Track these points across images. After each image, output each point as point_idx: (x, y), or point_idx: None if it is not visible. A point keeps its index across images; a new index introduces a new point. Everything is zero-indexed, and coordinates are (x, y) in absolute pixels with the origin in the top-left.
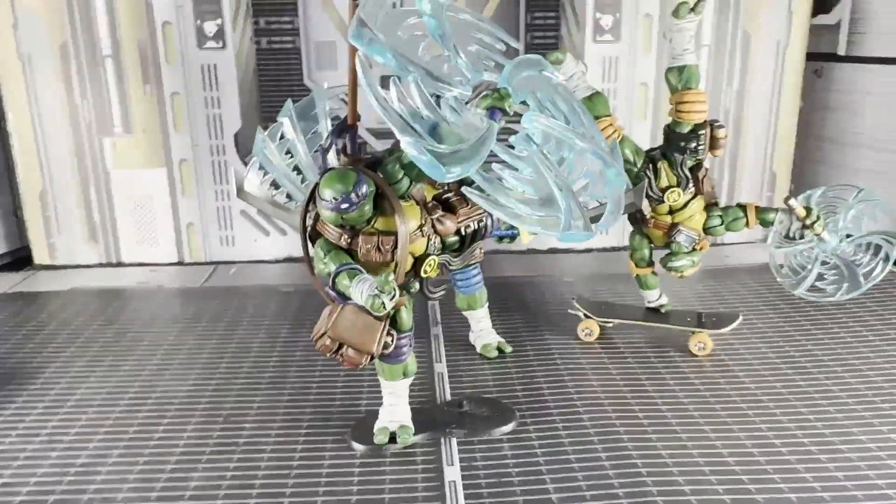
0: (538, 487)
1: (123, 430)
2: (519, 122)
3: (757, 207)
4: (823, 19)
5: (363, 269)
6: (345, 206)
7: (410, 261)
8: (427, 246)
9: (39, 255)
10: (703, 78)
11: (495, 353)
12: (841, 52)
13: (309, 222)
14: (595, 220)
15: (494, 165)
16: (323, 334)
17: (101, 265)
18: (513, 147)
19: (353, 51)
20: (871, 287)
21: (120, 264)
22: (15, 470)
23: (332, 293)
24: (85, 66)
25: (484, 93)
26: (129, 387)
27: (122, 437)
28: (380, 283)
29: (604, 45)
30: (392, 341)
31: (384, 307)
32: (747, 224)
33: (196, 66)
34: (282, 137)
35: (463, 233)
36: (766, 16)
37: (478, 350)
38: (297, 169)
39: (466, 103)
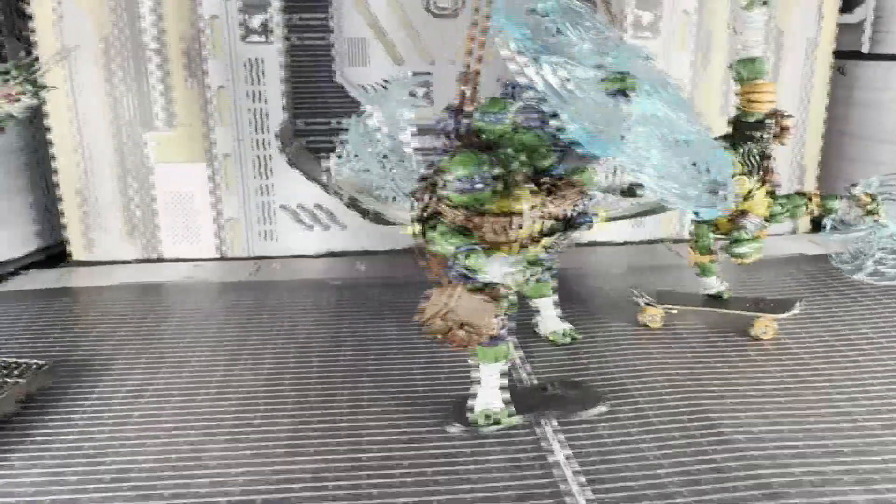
0: (645, 464)
1: (222, 418)
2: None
3: (819, 195)
4: (847, 18)
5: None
6: (480, 185)
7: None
8: (538, 227)
9: (77, 252)
10: None
11: (563, 340)
12: (864, 49)
13: (429, 205)
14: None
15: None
16: (437, 315)
17: (139, 261)
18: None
19: (473, 30)
20: None
21: (160, 260)
22: (125, 457)
23: (453, 273)
24: (129, 59)
25: (610, 76)
26: (210, 377)
27: (224, 424)
28: (518, 260)
29: (642, 42)
30: (502, 323)
31: (525, 284)
32: (808, 211)
33: (241, 60)
34: (367, 127)
35: (565, 216)
36: (799, 14)
37: (547, 336)
38: (379, 157)
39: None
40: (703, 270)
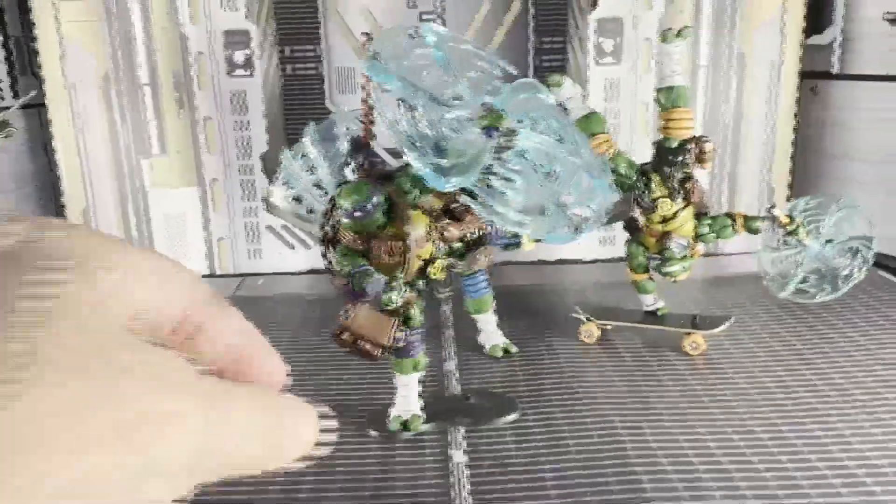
0: (537, 468)
1: None
2: (513, 140)
3: (744, 216)
4: (817, 39)
5: (378, 270)
6: (359, 214)
7: (419, 263)
8: (433, 250)
9: None
10: (702, 96)
11: (501, 353)
12: (834, 70)
13: (329, 231)
14: (580, 227)
15: (493, 178)
16: (342, 330)
17: None
18: (507, 161)
19: (366, 78)
20: (855, 289)
21: None
22: None
23: (350, 294)
24: (125, 93)
25: (482, 114)
26: None
27: None
28: (388, 280)
29: (606, 68)
30: (403, 337)
31: (391, 302)
32: (735, 231)
33: (226, 92)
34: (304, 156)
35: (467, 238)
36: (760, 37)
37: (486, 350)
38: (318, 185)
39: (468, 122)
40: (640, 288)
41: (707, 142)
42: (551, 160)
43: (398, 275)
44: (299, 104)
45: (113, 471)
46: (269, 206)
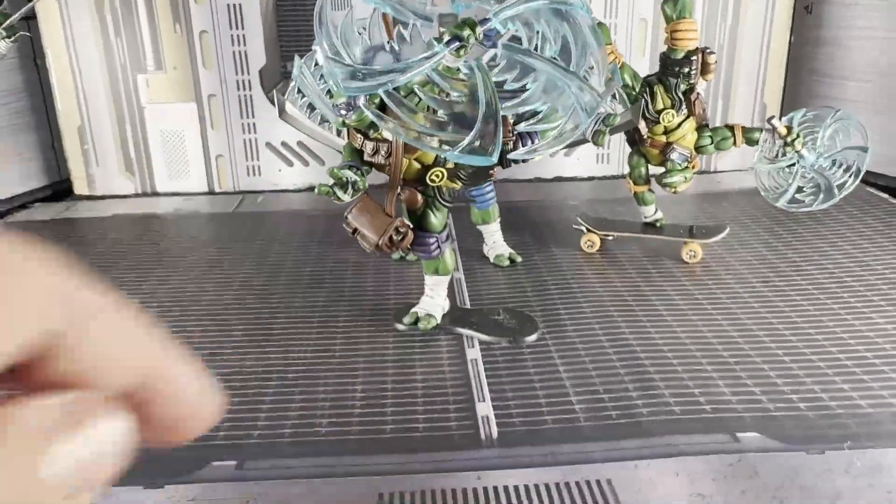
0: (548, 362)
1: (184, 334)
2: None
3: (743, 128)
4: None
5: (363, 167)
6: (344, 111)
7: (417, 168)
8: (437, 156)
9: (79, 187)
10: (699, 13)
11: (507, 263)
12: None
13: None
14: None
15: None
16: (344, 219)
17: (137, 195)
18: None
19: None
20: (842, 204)
21: (155, 194)
22: None
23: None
24: (119, 6)
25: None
26: (180, 296)
27: (187, 329)
28: (332, 173)
29: None
30: (402, 238)
31: (327, 193)
32: (735, 143)
33: (223, 5)
34: (316, 64)
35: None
36: None
37: (491, 260)
38: (329, 93)
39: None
40: (640, 199)
41: (711, 53)
42: (526, 74)
43: (345, 168)
44: (295, 20)
45: None
46: (283, 114)
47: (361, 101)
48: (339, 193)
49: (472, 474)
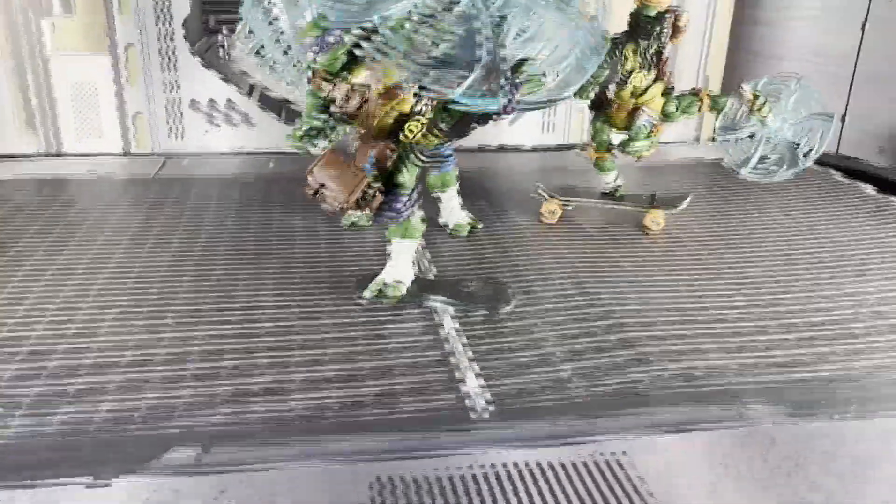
0: (528, 328)
1: (114, 297)
2: None
3: (710, 94)
4: None
5: (334, 117)
6: (315, 49)
7: (391, 120)
8: (415, 105)
9: None
10: None
11: (466, 231)
12: None
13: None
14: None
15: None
16: (309, 173)
17: (40, 155)
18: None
19: None
20: (790, 179)
21: (61, 155)
22: (11, 327)
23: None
24: None
25: None
26: (107, 260)
27: (115, 304)
28: (308, 117)
29: None
30: (373, 197)
31: (300, 140)
32: (700, 109)
33: None
34: (264, 8)
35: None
36: None
37: (449, 228)
38: (278, 39)
39: None
40: (601, 167)
41: (683, 13)
42: (528, 17)
43: (321, 116)
44: None
45: None
46: (230, 57)
47: (334, 38)
48: (317, 140)
49: (467, 457)
